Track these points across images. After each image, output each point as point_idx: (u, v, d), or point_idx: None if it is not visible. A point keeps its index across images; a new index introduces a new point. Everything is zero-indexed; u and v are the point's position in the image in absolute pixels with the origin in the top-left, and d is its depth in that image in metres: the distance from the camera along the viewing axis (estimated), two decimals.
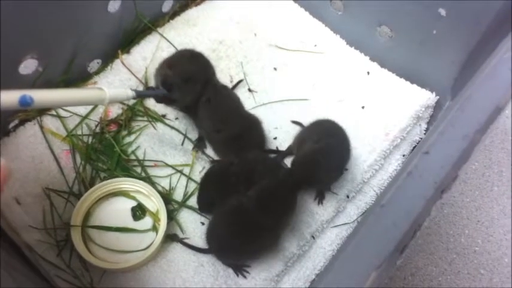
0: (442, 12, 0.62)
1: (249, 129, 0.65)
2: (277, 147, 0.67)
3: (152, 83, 0.70)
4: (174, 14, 0.79)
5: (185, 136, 0.67)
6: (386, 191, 0.44)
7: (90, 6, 0.65)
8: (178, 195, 0.63)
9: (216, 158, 0.66)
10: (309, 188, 0.62)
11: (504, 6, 0.56)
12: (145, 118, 0.68)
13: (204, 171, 0.64)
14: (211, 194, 0.60)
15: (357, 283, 0.30)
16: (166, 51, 0.74)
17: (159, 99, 0.63)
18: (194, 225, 0.61)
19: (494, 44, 0.50)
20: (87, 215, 0.60)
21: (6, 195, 0.58)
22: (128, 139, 0.66)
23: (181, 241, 0.59)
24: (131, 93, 0.53)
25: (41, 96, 0.43)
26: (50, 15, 0.61)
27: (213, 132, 0.64)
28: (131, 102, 0.69)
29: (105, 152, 0.65)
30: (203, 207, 0.60)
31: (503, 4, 0.56)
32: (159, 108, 0.69)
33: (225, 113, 0.64)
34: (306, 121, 0.69)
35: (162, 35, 0.75)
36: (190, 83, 0.61)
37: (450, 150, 0.36)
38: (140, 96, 0.57)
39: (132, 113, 0.68)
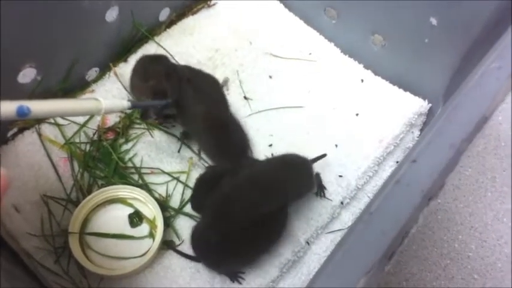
0: (434, 21, 0.64)
1: (234, 124, 0.67)
2: (272, 154, 0.68)
3: None
4: (170, 22, 0.80)
5: (182, 143, 0.68)
6: (374, 199, 0.45)
7: (88, 16, 0.66)
8: (174, 202, 0.64)
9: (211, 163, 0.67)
10: None
11: (492, 17, 0.57)
12: (142, 126, 0.69)
13: None
14: (203, 197, 0.61)
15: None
16: None
17: (157, 112, 0.64)
18: (190, 231, 0.62)
19: (484, 53, 0.51)
20: (85, 221, 0.61)
21: (5, 203, 0.59)
22: (125, 147, 0.67)
23: (175, 249, 0.60)
24: (127, 104, 0.54)
25: (38, 106, 0.44)
26: (49, 25, 0.62)
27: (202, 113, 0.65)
28: (128, 110, 0.70)
29: (103, 159, 0.66)
30: (196, 209, 0.62)
31: (492, 14, 0.57)
32: None
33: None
34: (302, 128, 0.70)
35: (158, 44, 0.76)
36: (175, 79, 0.64)
37: (437, 159, 0.37)
38: (135, 106, 0.59)
39: (130, 120, 0.69)
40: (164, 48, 0.75)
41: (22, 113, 0.43)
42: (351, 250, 0.34)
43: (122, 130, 0.68)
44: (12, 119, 0.43)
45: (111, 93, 0.71)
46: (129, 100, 0.55)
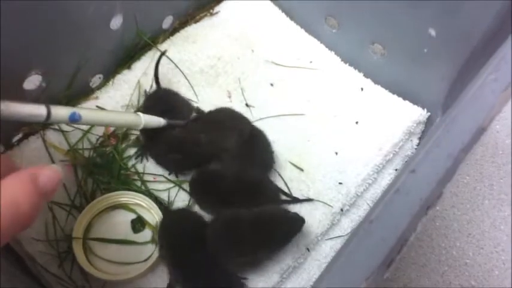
0: (432, 32, 0.65)
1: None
2: None
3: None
4: (174, 30, 0.81)
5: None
6: (375, 207, 0.46)
7: (93, 24, 0.67)
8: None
9: None
10: None
11: (491, 28, 0.58)
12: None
13: None
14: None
15: None
16: (166, 67, 0.76)
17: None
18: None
19: (482, 63, 0.52)
20: (89, 227, 0.62)
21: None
22: (128, 153, 0.68)
23: None
24: (163, 121, 0.61)
25: (87, 114, 0.52)
26: (54, 32, 0.63)
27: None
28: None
29: (106, 165, 0.66)
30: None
31: (490, 25, 0.59)
32: None
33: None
34: (302, 135, 0.71)
35: (162, 52, 0.77)
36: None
37: (435, 169, 0.38)
38: (171, 124, 0.64)
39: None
40: (167, 56, 0.76)
41: (74, 118, 0.50)
42: (350, 257, 0.35)
43: (126, 136, 0.69)
44: (62, 122, 0.54)
45: (114, 100, 0.72)
46: (164, 118, 0.62)
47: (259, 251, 0.57)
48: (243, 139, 0.66)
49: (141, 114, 0.58)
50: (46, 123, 0.52)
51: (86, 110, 0.52)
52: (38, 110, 0.47)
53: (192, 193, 0.64)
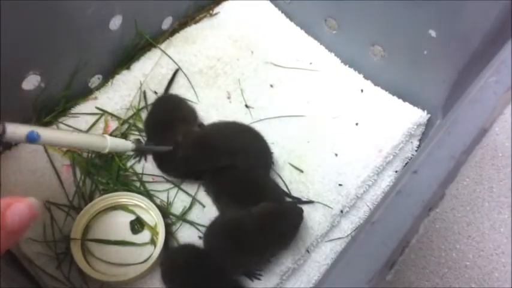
0: (433, 33, 0.65)
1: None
2: (272, 162, 0.69)
3: (149, 93, 0.73)
4: (173, 31, 0.81)
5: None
6: (376, 209, 0.46)
7: (92, 24, 0.67)
8: (176, 210, 0.64)
9: None
10: None
11: (491, 29, 0.58)
12: (143, 133, 0.70)
13: (201, 186, 0.66)
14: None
15: None
16: (166, 68, 0.76)
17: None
18: (192, 239, 0.62)
19: (482, 65, 0.52)
20: (87, 228, 0.61)
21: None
22: (127, 153, 0.68)
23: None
24: (131, 146, 0.58)
25: (48, 134, 0.47)
26: (53, 33, 0.63)
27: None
28: (127, 115, 0.71)
29: (105, 166, 0.66)
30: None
31: (491, 26, 0.59)
32: None
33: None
34: (302, 136, 0.71)
35: (163, 51, 0.77)
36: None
37: (437, 170, 0.37)
38: (139, 149, 0.61)
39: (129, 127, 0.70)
40: (169, 56, 0.76)
41: (32, 138, 0.45)
42: (352, 260, 0.34)
43: (124, 137, 0.69)
44: (19, 142, 0.45)
45: (113, 101, 0.72)
46: (133, 142, 0.59)
47: (267, 250, 0.57)
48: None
49: (107, 137, 0.54)
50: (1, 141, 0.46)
51: (47, 130, 0.48)
52: None
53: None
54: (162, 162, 0.65)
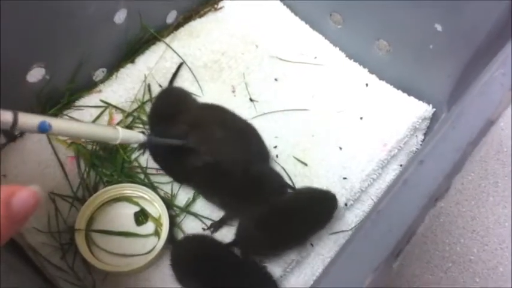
0: (438, 27, 0.65)
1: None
2: (276, 155, 0.69)
3: (154, 87, 0.73)
4: (178, 25, 0.81)
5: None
6: (382, 198, 0.45)
7: (97, 18, 0.67)
8: (180, 202, 0.64)
9: None
10: None
11: (497, 23, 0.58)
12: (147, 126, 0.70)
13: None
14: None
15: (355, 285, 0.32)
16: (170, 62, 0.76)
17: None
18: (195, 230, 0.62)
19: (488, 59, 0.52)
20: (91, 219, 0.61)
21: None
22: (131, 145, 0.68)
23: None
24: (142, 137, 0.56)
25: (59, 124, 0.47)
26: (58, 26, 0.63)
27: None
28: (131, 108, 0.71)
29: (109, 158, 0.66)
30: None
31: (497, 21, 0.58)
32: None
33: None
34: (307, 130, 0.71)
35: (168, 45, 0.77)
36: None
37: (444, 160, 0.37)
38: (151, 142, 0.59)
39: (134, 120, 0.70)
40: (173, 49, 0.76)
41: (44, 128, 0.45)
42: (359, 247, 0.34)
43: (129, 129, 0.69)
44: (30, 132, 0.45)
45: (117, 94, 0.72)
46: (145, 134, 0.57)
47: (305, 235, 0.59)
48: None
49: (119, 128, 0.53)
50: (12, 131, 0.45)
51: (58, 120, 0.47)
52: (2, 116, 0.43)
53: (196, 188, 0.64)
54: (156, 153, 0.64)
